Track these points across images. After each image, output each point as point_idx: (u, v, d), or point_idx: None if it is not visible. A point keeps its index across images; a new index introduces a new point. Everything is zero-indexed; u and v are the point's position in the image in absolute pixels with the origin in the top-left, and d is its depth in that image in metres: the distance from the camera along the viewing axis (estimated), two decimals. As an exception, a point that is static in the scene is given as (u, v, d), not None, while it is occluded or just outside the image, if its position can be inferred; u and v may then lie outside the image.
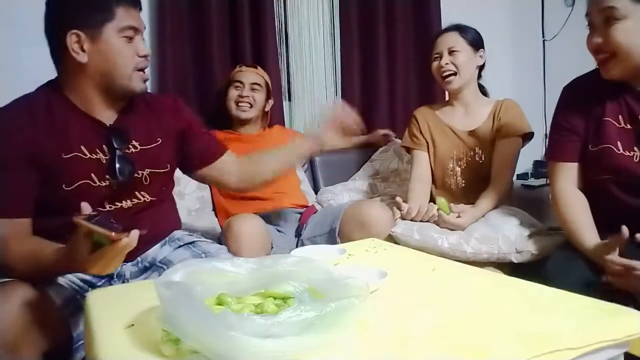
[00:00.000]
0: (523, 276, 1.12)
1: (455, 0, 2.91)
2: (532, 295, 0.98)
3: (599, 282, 1.26)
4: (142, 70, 1.33)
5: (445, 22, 2.80)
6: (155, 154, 1.39)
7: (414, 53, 2.81)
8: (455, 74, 1.93)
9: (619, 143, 1.40)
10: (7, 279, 1.17)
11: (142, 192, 1.38)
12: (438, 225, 1.78)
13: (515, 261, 1.64)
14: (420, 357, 0.74)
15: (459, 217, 1.74)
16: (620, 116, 1.41)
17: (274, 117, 2.47)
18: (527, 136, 1.96)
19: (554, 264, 1.39)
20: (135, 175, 1.35)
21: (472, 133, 1.98)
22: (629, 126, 1.40)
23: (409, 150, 2.11)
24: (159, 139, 1.41)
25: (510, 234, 1.67)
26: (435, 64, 1.98)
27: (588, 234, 1.38)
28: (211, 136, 1.62)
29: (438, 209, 1.76)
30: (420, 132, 2.05)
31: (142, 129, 1.38)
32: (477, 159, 1.97)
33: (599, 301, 0.90)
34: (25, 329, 1.10)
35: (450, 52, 1.93)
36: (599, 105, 1.44)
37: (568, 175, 1.48)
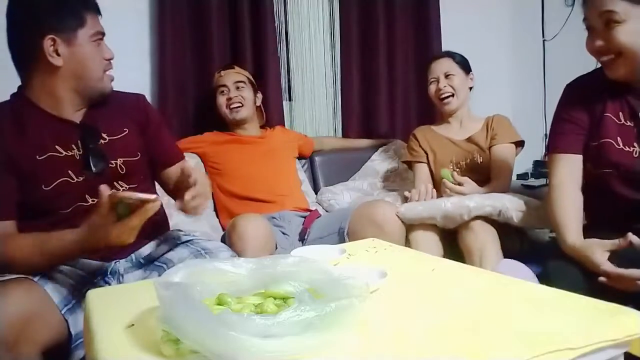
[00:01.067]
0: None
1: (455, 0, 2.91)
2: (532, 295, 0.98)
3: (598, 283, 1.26)
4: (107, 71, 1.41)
5: (444, 22, 2.81)
6: (124, 143, 1.44)
7: (414, 52, 2.82)
8: (453, 95, 2.09)
9: (618, 138, 1.41)
10: (3, 278, 1.18)
11: (119, 182, 1.41)
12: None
13: (516, 220, 1.71)
14: (420, 357, 0.74)
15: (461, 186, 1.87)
16: (620, 113, 1.42)
17: (274, 118, 2.47)
18: (519, 144, 2.09)
19: (554, 264, 1.39)
20: (110, 165, 1.39)
21: (468, 139, 2.12)
22: (629, 123, 1.41)
23: (410, 165, 2.24)
24: (125, 129, 1.45)
25: (514, 198, 1.76)
26: (432, 87, 2.13)
27: (573, 230, 1.38)
28: (171, 141, 1.62)
29: (442, 178, 1.89)
30: (420, 146, 2.18)
31: (108, 121, 1.43)
32: (475, 161, 2.08)
33: (599, 301, 0.90)
34: (24, 326, 1.10)
35: (447, 76, 2.09)
36: (599, 102, 1.45)
37: (569, 168, 1.47)
